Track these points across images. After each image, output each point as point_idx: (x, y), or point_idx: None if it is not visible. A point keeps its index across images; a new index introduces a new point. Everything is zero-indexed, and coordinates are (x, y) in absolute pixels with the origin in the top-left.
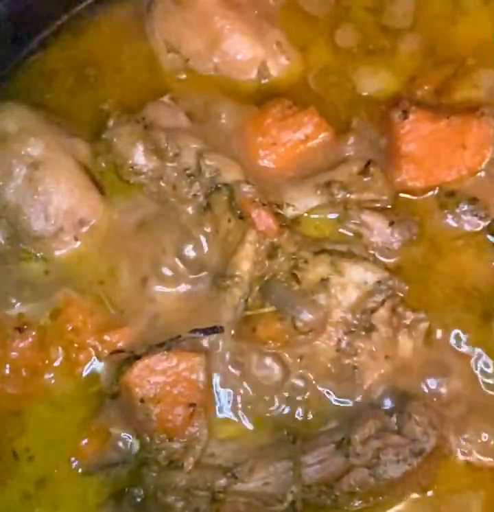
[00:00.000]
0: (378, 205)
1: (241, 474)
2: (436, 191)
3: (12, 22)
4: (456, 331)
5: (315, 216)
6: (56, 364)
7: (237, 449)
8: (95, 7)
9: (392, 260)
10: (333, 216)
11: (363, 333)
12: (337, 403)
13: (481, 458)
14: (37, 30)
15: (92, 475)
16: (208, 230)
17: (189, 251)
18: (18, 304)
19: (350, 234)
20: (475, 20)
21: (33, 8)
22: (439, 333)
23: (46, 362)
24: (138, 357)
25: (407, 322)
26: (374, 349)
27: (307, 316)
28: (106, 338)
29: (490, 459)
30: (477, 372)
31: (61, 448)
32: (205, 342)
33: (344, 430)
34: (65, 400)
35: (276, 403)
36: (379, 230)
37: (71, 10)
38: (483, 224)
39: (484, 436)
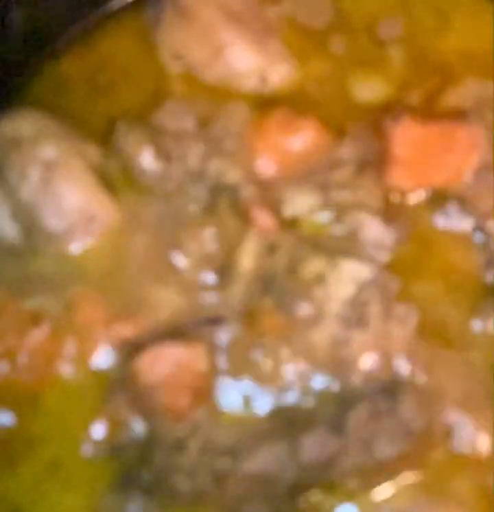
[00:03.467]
0: (371, 205)
1: (242, 456)
2: (426, 193)
3: (26, 31)
4: (445, 323)
5: (313, 215)
6: (69, 353)
7: (239, 433)
8: (106, 19)
9: (384, 257)
10: (328, 215)
11: (357, 325)
12: (332, 390)
13: (472, 444)
14: (50, 40)
15: (101, 459)
16: (212, 228)
17: (195, 249)
18: (33, 297)
19: (345, 232)
20: (460, 32)
21: (47, 19)
22: (429, 325)
23: (60, 351)
24: (145, 347)
25: (399, 315)
26: (367, 340)
27: (304, 308)
28: (115, 328)
29: (481, 445)
30: (466, 361)
31: (72, 433)
32: (209, 333)
33: (340, 414)
34: (77, 388)
35: (276, 390)
36: (372, 229)
37: (83, 21)
38: (471, 223)
39: (476, 422)
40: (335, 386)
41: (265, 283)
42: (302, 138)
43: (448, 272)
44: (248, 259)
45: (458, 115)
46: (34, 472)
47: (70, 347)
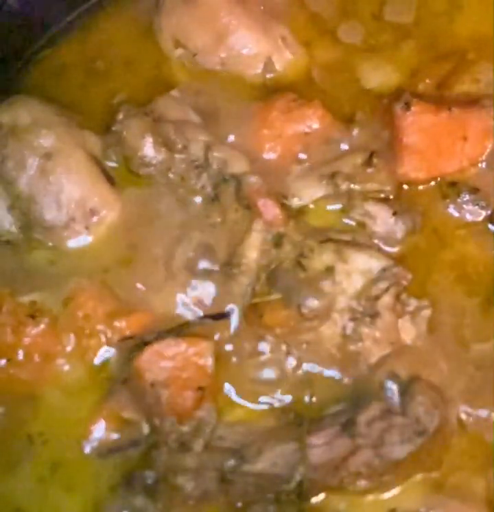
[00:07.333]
0: (381, 195)
1: (249, 456)
2: (438, 182)
3: (23, 17)
4: (458, 317)
5: (320, 206)
6: (68, 350)
7: (245, 432)
8: (104, 3)
9: (395, 249)
10: (337, 206)
11: (367, 319)
12: (342, 387)
13: (485, 437)
14: (47, 25)
15: (104, 458)
16: (216, 220)
17: (198, 241)
18: (31, 292)
19: (354, 223)
20: (472, 16)
21: (43, 4)
22: (441, 320)
23: (59, 348)
24: (147, 343)
25: (411, 309)
26: (378, 335)
27: (312, 302)
28: (116, 324)
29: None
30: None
31: (73, 432)
32: (213, 328)
33: (349, 412)
34: (77, 385)
35: (283, 388)
36: (382, 220)
37: (81, 6)
38: (484, 213)
39: (488, 416)
40: (345, 383)
41: (272, 276)
42: (308, 127)
43: (461, 265)
44: (253, 251)
45: (471, 102)
46: (35, 472)
47: (69, 344)
